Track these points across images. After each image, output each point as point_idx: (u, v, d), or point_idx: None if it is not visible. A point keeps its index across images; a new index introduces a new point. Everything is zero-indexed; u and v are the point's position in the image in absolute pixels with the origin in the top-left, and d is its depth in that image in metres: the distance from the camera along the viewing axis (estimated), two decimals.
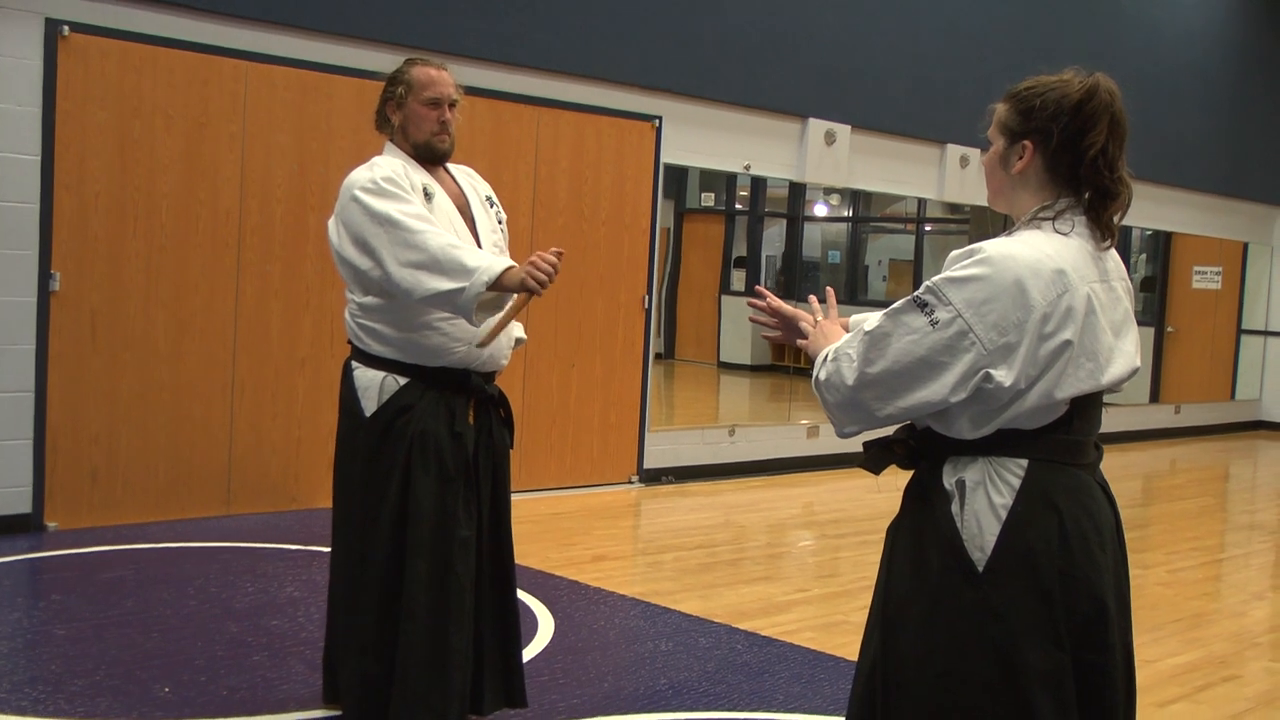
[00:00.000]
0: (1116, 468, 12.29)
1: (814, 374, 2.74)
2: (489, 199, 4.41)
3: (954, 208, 14.59)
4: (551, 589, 6.50)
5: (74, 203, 7.08)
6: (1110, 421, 15.97)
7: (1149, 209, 14.31)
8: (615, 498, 9.36)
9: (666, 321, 16.77)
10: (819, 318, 2.92)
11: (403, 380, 4.11)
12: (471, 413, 4.21)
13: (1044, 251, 2.57)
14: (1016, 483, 2.58)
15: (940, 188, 12.16)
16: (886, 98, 11.39)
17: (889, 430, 2.77)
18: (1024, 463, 2.59)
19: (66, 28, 6.99)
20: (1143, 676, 5.68)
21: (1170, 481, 12.73)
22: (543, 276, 3.85)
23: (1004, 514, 2.57)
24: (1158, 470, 13.28)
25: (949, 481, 2.63)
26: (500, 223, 4.39)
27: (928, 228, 16.54)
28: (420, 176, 4.19)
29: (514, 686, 4.38)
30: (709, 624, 6.06)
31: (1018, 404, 2.56)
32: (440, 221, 4.07)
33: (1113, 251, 2.74)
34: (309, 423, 7.94)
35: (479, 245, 4.17)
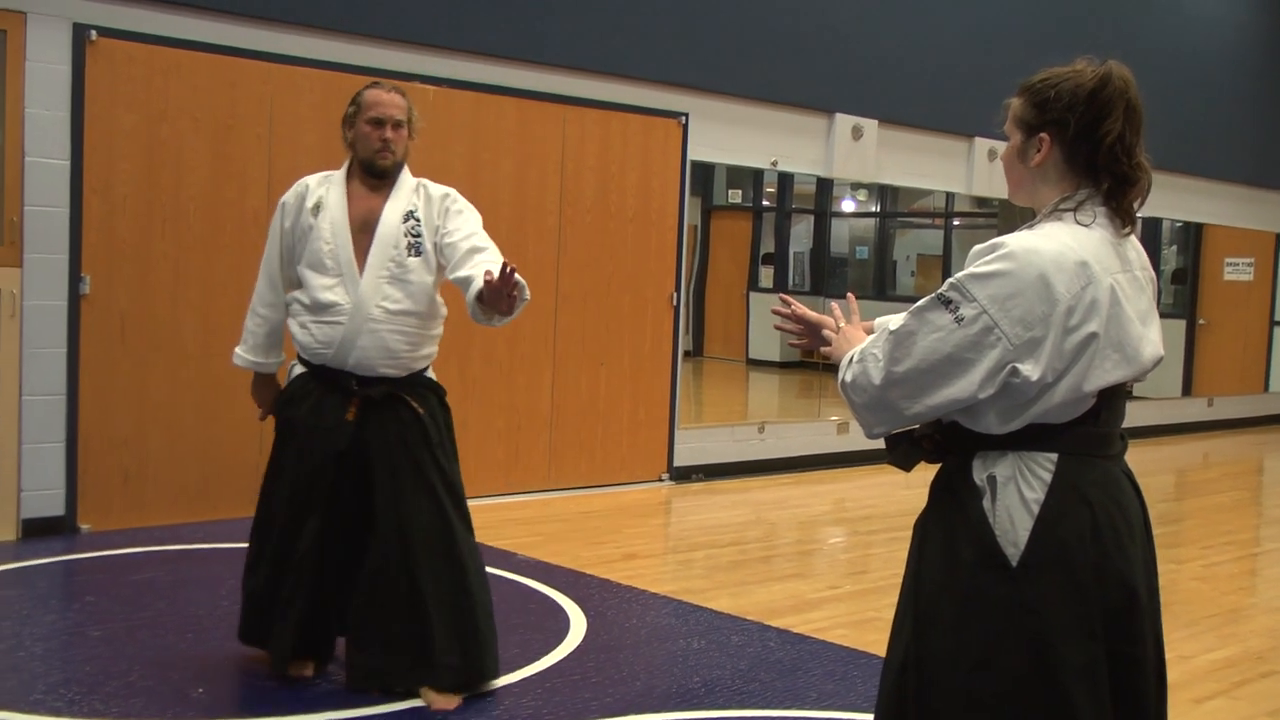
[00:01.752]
0: (1149, 462, 12.24)
1: (839, 377, 2.75)
2: (411, 213, 4.72)
3: (982, 201, 14.52)
4: (583, 588, 6.49)
5: (103, 206, 7.11)
6: (1142, 415, 15.73)
7: (1179, 200, 14.21)
8: (645, 496, 9.35)
9: (694, 319, 16.74)
10: (841, 324, 2.92)
11: (299, 370, 4.82)
12: (354, 410, 4.66)
13: (1066, 244, 2.57)
14: (1048, 477, 2.58)
15: (969, 182, 12.11)
16: (913, 91, 11.35)
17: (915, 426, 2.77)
18: (1054, 457, 2.59)
19: (94, 32, 7.01)
20: (1179, 672, 5.66)
21: (1204, 475, 12.65)
22: (258, 414, 5.10)
23: (1036, 509, 2.57)
24: (1191, 464, 13.20)
25: (979, 477, 2.63)
26: (416, 236, 4.69)
27: (956, 222, 16.46)
28: (323, 192, 4.76)
29: (471, 658, 4.73)
30: (741, 621, 6.04)
31: (1046, 398, 2.56)
32: (320, 233, 4.67)
33: (1133, 240, 2.73)
34: None
35: (360, 261, 4.64)
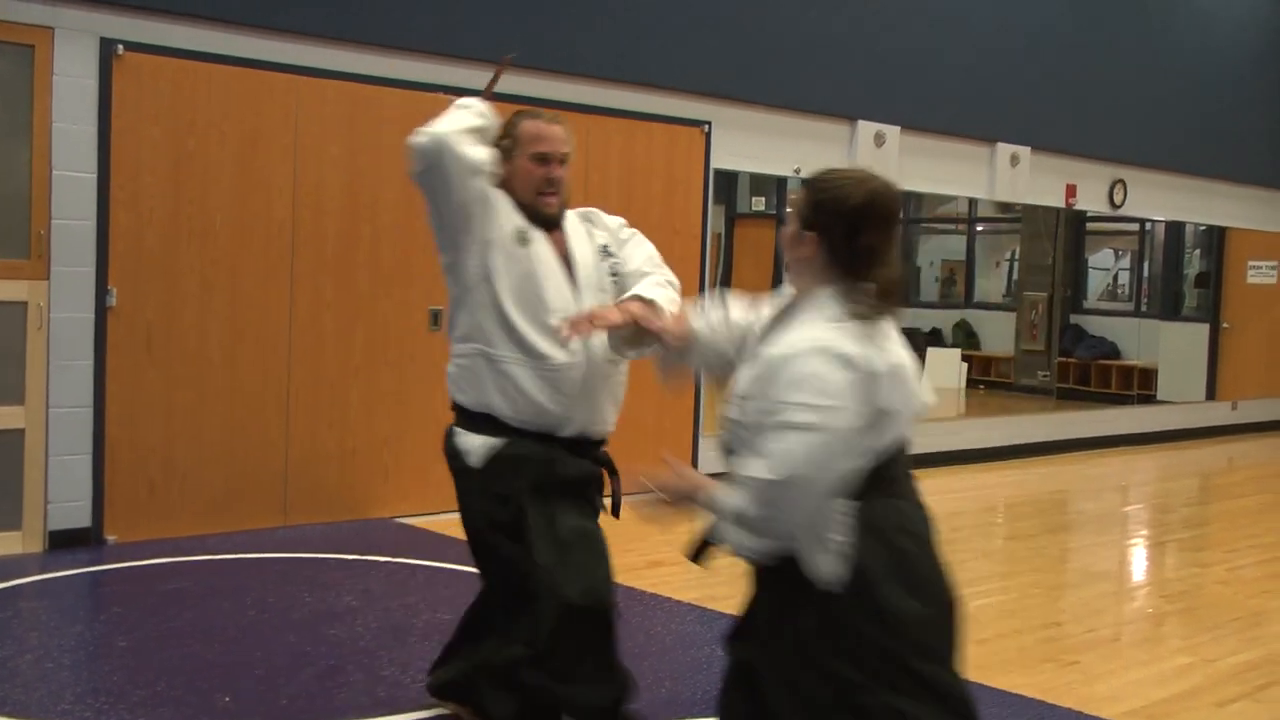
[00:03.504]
0: (1173, 465, 12.22)
1: (729, 513, 3.20)
2: (604, 248, 4.35)
3: (1005, 207, 14.51)
4: None
5: (129, 219, 7.16)
6: (1166, 419, 15.55)
7: (1202, 203, 14.19)
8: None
9: None
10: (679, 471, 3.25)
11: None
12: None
13: (830, 340, 2.80)
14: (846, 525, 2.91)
15: (991, 187, 12.08)
16: (936, 98, 11.34)
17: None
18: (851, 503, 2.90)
19: (121, 47, 7.07)
20: (1203, 675, 5.65)
21: (1228, 479, 12.59)
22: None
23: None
24: (1215, 468, 13.15)
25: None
26: (614, 275, 4.30)
27: (980, 227, 16.44)
28: (516, 220, 4.13)
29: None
30: None
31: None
32: (541, 268, 4.09)
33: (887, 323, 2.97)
34: (363, 432, 7.99)
35: (577, 300, 4.16)
